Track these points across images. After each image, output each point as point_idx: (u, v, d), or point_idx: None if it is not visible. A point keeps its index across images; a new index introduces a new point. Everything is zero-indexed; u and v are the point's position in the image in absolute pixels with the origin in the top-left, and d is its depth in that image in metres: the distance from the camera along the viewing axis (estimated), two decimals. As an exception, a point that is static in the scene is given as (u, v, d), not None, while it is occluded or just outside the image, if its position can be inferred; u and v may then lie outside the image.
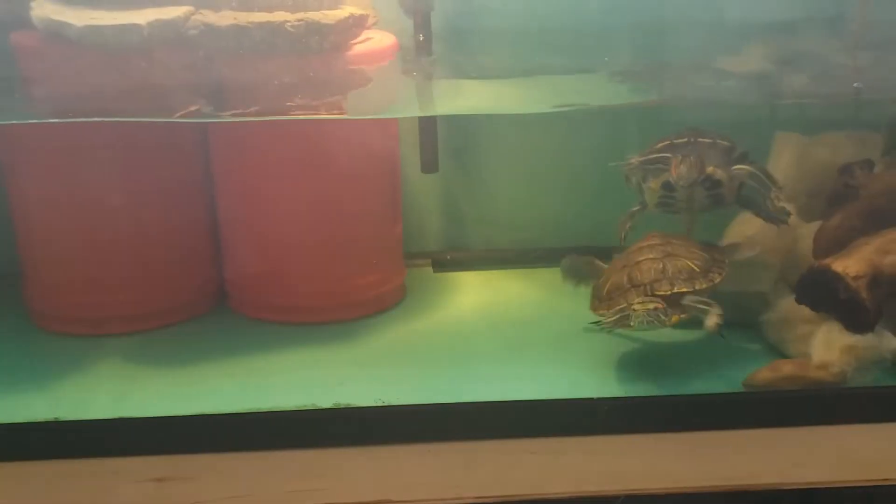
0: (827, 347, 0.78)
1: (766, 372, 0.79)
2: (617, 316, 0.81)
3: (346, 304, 0.96)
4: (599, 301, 0.85)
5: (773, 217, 0.88)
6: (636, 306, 0.78)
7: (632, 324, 0.79)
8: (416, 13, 0.99)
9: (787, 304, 0.85)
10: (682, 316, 0.80)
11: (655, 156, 0.86)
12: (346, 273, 0.96)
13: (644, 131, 1.05)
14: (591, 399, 0.77)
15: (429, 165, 1.01)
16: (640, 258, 0.84)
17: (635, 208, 0.90)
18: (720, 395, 0.78)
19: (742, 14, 0.99)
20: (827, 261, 0.78)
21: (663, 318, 0.78)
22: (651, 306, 0.78)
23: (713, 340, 0.82)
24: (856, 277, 0.76)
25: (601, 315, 0.84)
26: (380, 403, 0.78)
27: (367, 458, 0.75)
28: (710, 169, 0.83)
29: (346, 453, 0.75)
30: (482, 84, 0.97)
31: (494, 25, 1.00)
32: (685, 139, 0.85)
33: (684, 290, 0.80)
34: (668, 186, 0.85)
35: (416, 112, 0.99)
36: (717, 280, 0.82)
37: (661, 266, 0.82)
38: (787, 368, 0.78)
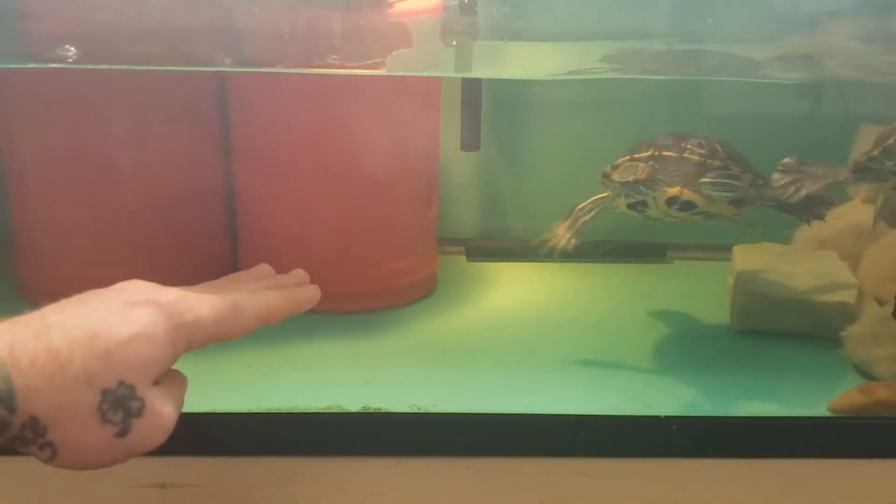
0: (927, 371, 0.69)
1: (856, 395, 0.69)
2: None
3: (372, 293, 0.87)
4: None
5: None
6: None
7: None
8: (462, -30, 0.89)
9: (875, 319, 0.75)
10: None
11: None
12: (374, 258, 0.86)
13: (709, 111, 0.97)
14: (658, 417, 0.67)
15: (470, 143, 0.90)
16: None
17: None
18: (804, 418, 0.69)
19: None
20: (933, 272, 0.69)
21: None
22: None
23: (791, 357, 0.73)
24: (968, 293, 0.67)
25: None
26: (414, 409, 0.69)
27: (398, 471, 0.65)
28: (674, 189, 0.70)
29: (375, 464, 0.65)
30: (530, 46, 0.87)
31: None
32: (648, 152, 0.72)
33: None
34: (634, 208, 0.73)
35: (451, 72, 0.89)
36: None
37: None
38: (881, 392, 0.69)
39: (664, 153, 0.70)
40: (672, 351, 0.79)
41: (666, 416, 0.67)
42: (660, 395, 0.71)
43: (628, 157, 0.73)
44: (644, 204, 0.71)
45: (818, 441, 0.68)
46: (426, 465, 0.66)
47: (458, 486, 0.65)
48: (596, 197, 0.75)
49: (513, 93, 0.97)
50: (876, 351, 0.74)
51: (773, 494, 0.66)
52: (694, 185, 0.69)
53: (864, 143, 0.88)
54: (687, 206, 0.70)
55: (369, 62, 0.76)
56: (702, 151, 0.70)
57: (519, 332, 0.83)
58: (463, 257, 0.98)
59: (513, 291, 0.92)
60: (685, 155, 0.70)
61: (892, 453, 0.66)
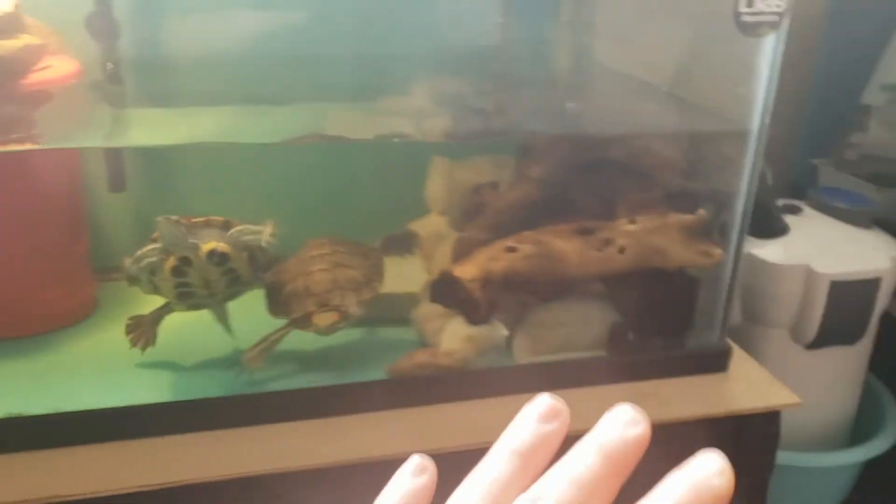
0: (452, 338, 0.95)
1: (403, 361, 0.94)
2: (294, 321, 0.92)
3: (30, 318, 1.00)
4: (278, 306, 0.95)
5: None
6: (316, 318, 0.90)
7: (312, 329, 0.90)
8: (102, 38, 1.04)
9: (429, 303, 1.01)
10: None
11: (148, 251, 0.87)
12: (28, 287, 1.00)
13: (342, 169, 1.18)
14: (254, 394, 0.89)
15: (116, 185, 1.06)
16: (314, 268, 0.95)
17: (161, 309, 0.95)
18: (369, 382, 0.92)
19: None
20: (451, 266, 0.95)
21: (340, 325, 0.91)
22: (331, 321, 0.90)
23: (379, 336, 0.97)
24: (471, 280, 0.93)
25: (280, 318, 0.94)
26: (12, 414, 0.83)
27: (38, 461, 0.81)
28: (212, 244, 0.87)
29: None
30: (174, 112, 1.04)
31: (197, 53, 1.06)
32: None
33: (352, 300, 0.93)
34: (179, 271, 0.86)
35: (98, 142, 1.04)
36: (378, 288, 0.96)
37: (332, 277, 0.94)
38: (420, 357, 0.94)
39: (193, 220, 0.87)
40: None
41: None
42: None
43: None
44: (188, 262, 0.85)
45: (381, 397, 0.92)
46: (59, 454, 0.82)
47: (88, 467, 0.82)
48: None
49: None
50: (428, 326, 1.00)
51: (346, 443, 0.88)
52: (225, 239, 0.87)
53: (435, 173, 1.15)
54: (223, 259, 0.87)
55: (14, 136, 0.90)
56: (218, 219, 0.89)
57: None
58: (125, 282, 1.13)
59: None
60: (210, 219, 0.89)
61: (429, 401, 0.92)
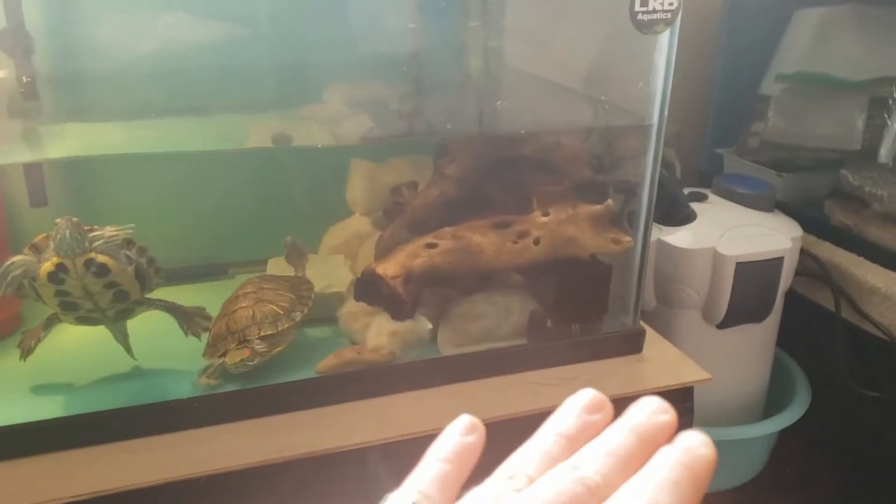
0: (378, 334, 0.98)
1: (331, 359, 0.96)
2: (220, 361, 0.93)
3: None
4: (208, 347, 0.97)
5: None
6: (227, 358, 0.92)
7: (229, 368, 0.92)
8: (16, 53, 1.04)
9: (354, 301, 1.04)
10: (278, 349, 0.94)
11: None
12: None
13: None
14: (185, 399, 0.90)
15: (37, 200, 1.06)
16: (237, 307, 0.97)
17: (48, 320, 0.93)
18: (299, 381, 0.95)
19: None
20: (373, 265, 0.98)
21: (249, 363, 0.92)
22: (238, 359, 0.91)
23: (299, 337, 1.00)
24: (393, 277, 0.96)
25: (210, 359, 0.96)
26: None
27: None
28: (90, 254, 0.84)
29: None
30: (94, 127, 1.04)
31: (114, 68, 1.07)
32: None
33: (270, 332, 0.95)
34: (55, 277, 0.83)
35: (16, 158, 1.04)
36: (300, 317, 0.98)
37: (251, 313, 0.96)
38: (347, 354, 0.97)
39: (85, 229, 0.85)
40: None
41: (190, 398, 0.90)
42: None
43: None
44: (65, 270, 0.82)
45: (310, 395, 0.94)
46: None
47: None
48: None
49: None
50: (354, 324, 1.03)
51: (277, 441, 0.91)
52: (105, 251, 0.85)
53: (355, 175, 1.18)
54: (102, 270, 0.84)
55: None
56: (113, 230, 0.87)
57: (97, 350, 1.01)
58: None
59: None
60: (94, 228, 0.86)
61: (354, 398, 0.95)
